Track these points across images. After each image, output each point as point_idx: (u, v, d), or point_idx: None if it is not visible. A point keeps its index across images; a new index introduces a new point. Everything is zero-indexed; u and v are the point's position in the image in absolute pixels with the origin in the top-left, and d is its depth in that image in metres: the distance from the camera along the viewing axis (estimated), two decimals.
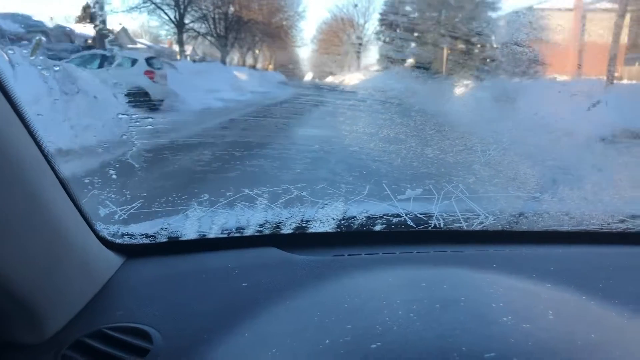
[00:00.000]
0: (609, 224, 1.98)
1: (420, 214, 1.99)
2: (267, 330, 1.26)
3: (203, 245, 1.81)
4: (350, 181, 2.40)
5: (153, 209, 2.05)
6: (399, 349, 1.05)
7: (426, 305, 1.24)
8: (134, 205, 1.99)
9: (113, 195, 2.00)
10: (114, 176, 2.09)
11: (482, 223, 1.97)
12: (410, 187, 2.12)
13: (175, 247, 1.81)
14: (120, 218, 1.91)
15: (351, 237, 1.94)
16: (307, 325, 1.26)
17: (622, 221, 1.99)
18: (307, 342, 1.18)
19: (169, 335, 1.26)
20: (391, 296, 1.32)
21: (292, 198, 2.07)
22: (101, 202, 1.94)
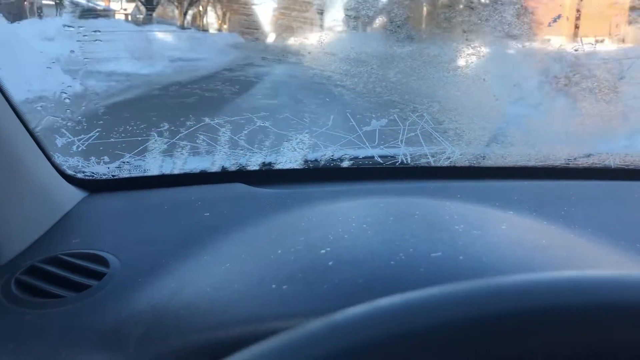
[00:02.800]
0: (575, 158, 2.00)
1: (387, 148, 1.99)
2: (224, 252, 1.27)
3: (167, 181, 1.79)
4: (313, 109, 2.36)
5: (112, 140, 2.00)
6: (346, 253, 1.07)
7: (380, 219, 1.26)
8: (91, 134, 1.93)
9: (69, 123, 1.93)
10: (67, 100, 2.01)
11: (449, 158, 1.97)
12: (375, 117, 2.10)
13: (139, 182, 1.80)
14: (79, 149, 1.86)
15: (319, 173, 1.94)
16: (263, 244, 1.27)
17: (589, 156, 2.02)
18: (259, 254, 1.20)
19: (126, 260, 1.26)
20: (348, 215, 1.33)
21: (256, 129, 2.03)
22: (57, 130, 1.88)
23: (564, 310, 0.57)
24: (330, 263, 1.02)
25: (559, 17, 2.52)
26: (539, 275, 0.62)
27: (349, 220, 1.26)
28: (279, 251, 1.14)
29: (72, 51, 2.20)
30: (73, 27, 2.35)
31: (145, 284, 1.16)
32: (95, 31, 2.35)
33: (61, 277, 1.19)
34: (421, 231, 1.16)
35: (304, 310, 0.92)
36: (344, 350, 0.54)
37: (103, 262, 1.25)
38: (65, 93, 1.99)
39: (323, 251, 1.07)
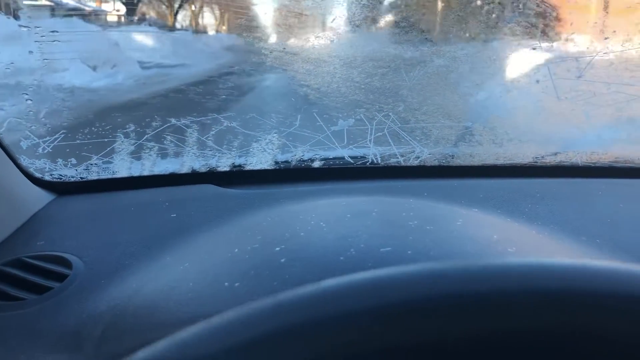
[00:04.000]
0: (542, 157, 2.04)
1: (357, 148, 2.01)
2: (187, 252, 1.28)
3: (137, 183, 1.78)
4: (280, 110, 2.36)
5: (78, 141, 1.98)
6: (299, 250, 1.09)
7: (338, 216, 1.28)
8: (56, 136, 1.91)
9: (33, 125, 1.91)
10: (29, 102, 1.99)
11: (418, 157, 2.00)
12: (342, 117, 2.11)
13: (107, 184, 1.79)
14: (45, 151, 1.84)
15: (289, 174, 1.95)
16: (223, 243, 1.29)
17: (556, 154, 2.05)
18: (216, 254, 1.21)
19: (90, 262, 1.26)
20: (309, 213, 1.34)
21: (223, 129, 2.03)
22: (21, 132, 1.86)
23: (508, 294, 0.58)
24: (282, 260, 1.04)
25: (515, 15, 2.56)
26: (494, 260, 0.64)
27: (308, 219, 1.27)
28: (236, 250, 1.16)
29: (30, 52, 2.17)
30: (29, 27, 2.32)
31: (108, 285, 1.17)
32: (52, 31, 2.31)
33: (23, 279, 1.19)
34: (375, 228, 1.18)
35: None
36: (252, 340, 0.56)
37: (66, 263, 1.25)
38: (27, 94, 1.96)
39: (277, 249, 1.09)
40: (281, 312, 0.59)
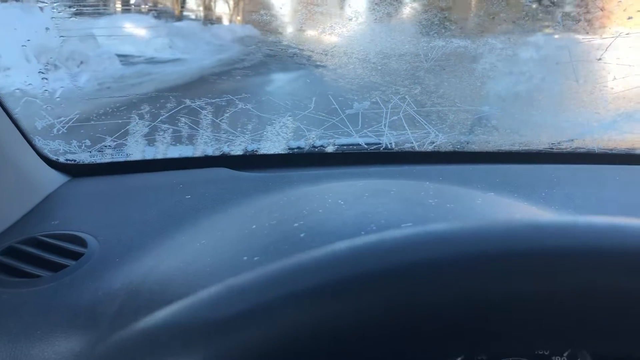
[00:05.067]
0: (559, 143, 2.02)
1: (370, 132, 2.00)
2: (202, 230, 1.29)
3: (151, 166, 1.79)
4: (295, 92, 2.35)
5: (92, 122, 1.98)
6: (318, 225, 1.10)
7: (356, 195, 1.29)
8: (71, 116, 1.91)
9: (48, 105, 1.91)
10: (45, 80, 1.99)
11: (433, 142, 1.99)
12: (357, 100, 2.10)
13: (121, 167, 1.80)
14: (59, 132, 1.84)
15: (303, 158, 1.95)
16: (240, 221, 1.30)
17: (572, 140, 2.04)
18: (234, 231, 1.23)
19: (105, 241, 1.27)
20: (326, 193, 1.35)
21: (237, 112, 2.03)
22: (36, 112, 1.86)
23: (550, 252, 0.59)
24: (302, 235, 1.04)
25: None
26: (525, 219, 0.64)
27: (326, 197, 1.28)
28: (254, 226, 1.17)
29: (47, 28, 2.16)
30: (46, 2, 2.31)
31: (123, 263, 1.18)
32: (70, 6, 2.31)
33: (38, 257, 1.20)
34: (395, 205, 1.19)
35: None
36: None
37: (81, 242, 1.26)
38: (42, 73, 1.96)
39: (296, 224, 1.10)
40: (300, 274, 0.61)
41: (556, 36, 2.24)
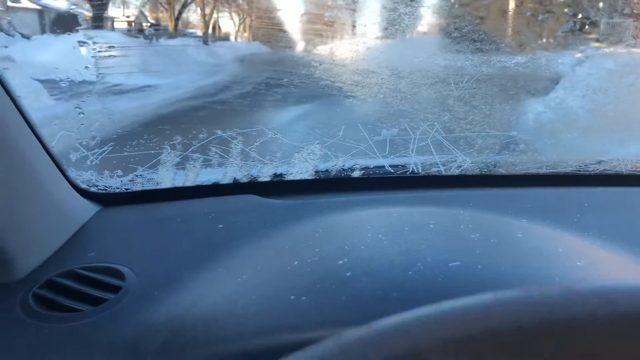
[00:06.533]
0: (586, 165, 2.00)
1: (397, 158, 2.00)
2: (239, 264, 1.28)
3: (180, 193, 1.80)
4: (324, 121, 2.37)
5: (125, 153, 2.01)
6: (363, 264, 1.07)
7: (395, 229, 1.26)
8: (104, 149, 1.95)
9: (83, 138, 1.95)
10: (81, 115, 2.03)
11: (460, 167, 1.98)
12: (386, 127, 2.11)
13: (151, 195, 1.81)
14: (93, 163, 1.87)
15: (329, 184, 1.94)
16: (278, 255, 1.28)
17: (600, 162, 2.01)
18: (275, 266, 1.20)
19: (142, 274, 1.27)
20: (362, 225, 1.34)
21: (267, 140, 2.05)
22: (71, 144, 1.90)
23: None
24: (347, 274, 1.03)
25: (566, 26, 2.53)
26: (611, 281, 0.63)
27: (364, 231, 1.26)
28: (295, 262, 1.15)
29: (86, 67, 2.21)
30: (87, 42, 2.37)
31: (162, 296, 1.18)
32: (110, 47, 2.36)
33: (78, 290, 1.21)
34: (437, 241, 1.16)
35: (325, 321, 0.92)
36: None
37: (119, 275, 1.26)
38: (79, 108, 2.01)
39: (340, 262, 1.08)
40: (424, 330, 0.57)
41: (583, 60, 2.23)
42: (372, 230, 1.25)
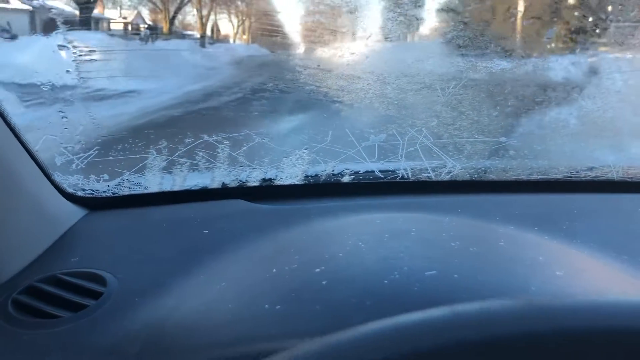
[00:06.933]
0: (577, 171, 2.01)
1: (387, 163, 2.00)
2: (221, 270, 1.27)
3: (168, 198, 1.79)
4: (312, 126, 2.36)
5: (111, 157, 2.00)
6: (340, 272, 1.08)
7: (376, 236, 1.27)
8: (90, 153, 1.93)
9: (67, 142, 1.93)
10: (65, 119, 2.01)
11: (450, 172, 1.98)
12: (374, 133, 2.10)
13: (138, 200, 1.80)
14: (78, 167, 1.86)
15: (319, 189, 1.94)
16: (259, 262, 1.29)
17: (591, 169, 2.02)
18: (254, 274, 1.21)
19: (124, 279, 1.27)
20: (345, 232, 1.34)
21: (254, 145, 2.04)
22: (55, 149, 1.88)
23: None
24: (323, 282, 1.03)
25: (552, 31, 2.54)
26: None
27: (345, 238, 1.26)
28: (274, 270, 1.15)
29: (67, 71, 2.19)
30: (67, 46, 2.34)
31: (143, 302, 1.17)
32: (90, 50, 2.34)
33: (58, 296, 1.20)
34: (416, 249, 1.17)
35: (297, 330, 0.92)
36: None
37: (100, 280, 1.26)
38: (62, 112, 1.99)
39: (317, 270, 1.08)
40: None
41: (574, 66, 2.24)
42: (353, 237, 1.25)
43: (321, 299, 0.97)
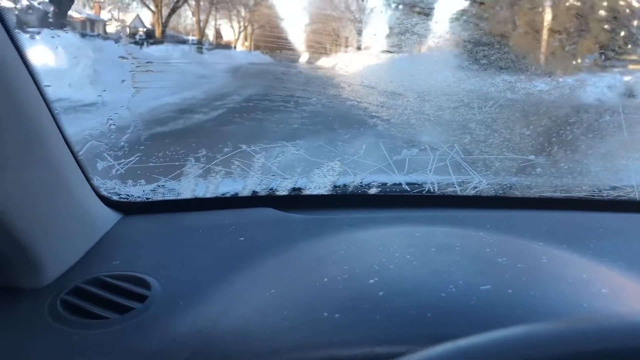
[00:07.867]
0: (600, 190, 2.01)
1: (415, 177, 2.01)
2: (264, 277, 1.29)
3: (200, 204, 1.83)
4: (347, 139, 2.40)
5: (150, 164, 2.06)
6: (395, 283, 1.09)
7: (422, 249, 1.27)
8: (131, 159, 1.99)
9: (112, 149, 1.99)
10: (113, 127, 2.08)
11: (475, 188, 1.99)
12: (406, 147, 2.13)
13: (172, 205, 1.83)
14: (118, 172, 1.90)
15: (346, 200, 1.96)
16: (304, 270, 1.29)
17: (614, 188, 2.01)
18: (304, 282, 1.21)
19: (166, 284, 1.29)
20: (387, 244, 1.34)
21: (289, 156, 2.08)
22: (99, 154, 1.94)
23: None
24: (380, 293, 1.04)
25: (592, 56, 2.54)
26: None
27: (391, 250, 1.27)
28: (325, 279, 1.16)
29: (123, 80, 2.27)
30: (127, 57, 2.44)
31: (187, 307, 1.19)
32: (148, 62, 2.42)
33: (104, 298, 1.22)
34: (466, 263, 1.18)
35: (359, 339, 0.94)
36: None
37: (144, 284, 1.28)
38: (112, 119, 2.05)
39: (371, 281, 1.09)
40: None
41: (609, 89, 2.24)
42: (399, 250, 1.26)
43: (380, 310, 0.99)
